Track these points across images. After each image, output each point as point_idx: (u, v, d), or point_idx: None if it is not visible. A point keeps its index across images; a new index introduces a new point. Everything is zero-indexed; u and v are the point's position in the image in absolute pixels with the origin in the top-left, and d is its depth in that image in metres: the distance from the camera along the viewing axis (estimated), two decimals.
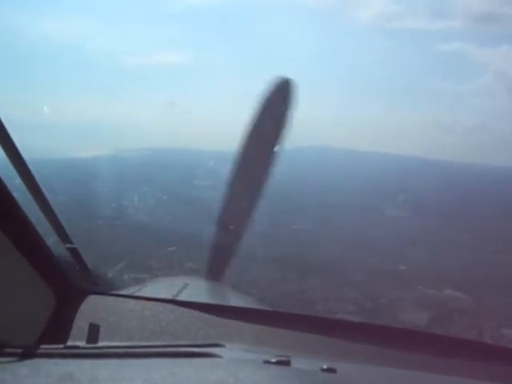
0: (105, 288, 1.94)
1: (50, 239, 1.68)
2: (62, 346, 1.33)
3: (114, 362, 1.18)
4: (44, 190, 1.62)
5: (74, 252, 1.78)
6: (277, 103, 2.26)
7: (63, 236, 1.72)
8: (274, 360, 1.12)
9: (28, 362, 1.18)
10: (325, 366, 1.10)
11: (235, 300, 2.35)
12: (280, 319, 1.70)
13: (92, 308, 1.71)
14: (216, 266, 2.51)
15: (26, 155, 1.51)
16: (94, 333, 1.56)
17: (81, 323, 1.61)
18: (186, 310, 1.70)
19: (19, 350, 1.25)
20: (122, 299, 1.79)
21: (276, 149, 2.26)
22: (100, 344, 1.51)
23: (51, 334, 1.56)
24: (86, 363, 1.15)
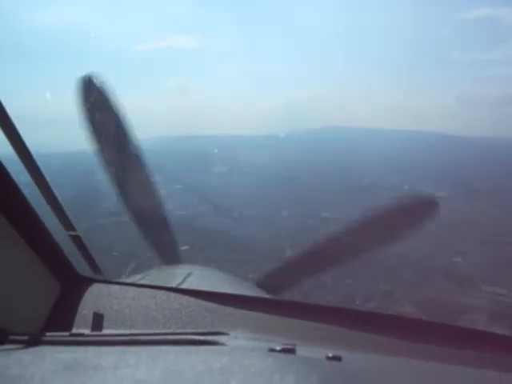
0: (109, 276, 1.94)
1: (54, 227, 1.67)
2: (66, 333, 1.33)
3: (118, 349, 1.18)
4: (48, 179, 1.61)
5: (77, 240, 1.78)
6: (93, 99, 2.20)
7: (67, 224, 1.72)
8: (278, 348, 1.11)
9: (32, 350, 1.18)
10: (330, 355, 1.10)
11: (239, 288, 2.35)
12: (285, 307, 1.69)
13: (96, 296, 1.71)
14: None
15: (33, 149, 1.51)
16: (98, 321, 1.56)
17: (84, 311, 1.62)
18: (189, 299, 1.69)
19: (23, 338, 1.25)
20: (125, 287, 1.79)
21: (122, 132, 2.27)
22: (104, 332, 1.52)
23: (55, 321, 1.56)
24: (91, 351, 1.15)
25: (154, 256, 2.63)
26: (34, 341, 1.24)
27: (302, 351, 1.13)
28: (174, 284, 1.88)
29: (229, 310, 1.64)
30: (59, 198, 1.64)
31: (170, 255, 2.70)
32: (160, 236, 2.61)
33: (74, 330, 1.47)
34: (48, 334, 1.31)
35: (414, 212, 2.36)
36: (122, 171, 2.32)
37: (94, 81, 2.09)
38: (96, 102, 2.11)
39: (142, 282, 2.00)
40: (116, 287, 1.77)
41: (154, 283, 1.86)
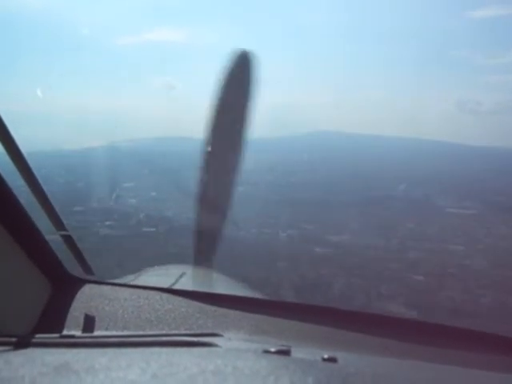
0: (100, 276, 1.92)
1: (45, 227, 1.65)
2: (57, 335, 1.32)
3: (110, 351, 1.17)
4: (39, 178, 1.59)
5: (69, 240, 1.76)
6: (239, 77, 2.22)
7: (58, 224, 1.69)
8: (273, 349, 1.10)
9: (22, 351, 1.17)
10: (326, 356, 1.09)
11: (233, 289, 2.34)
12: (280, 308, 1.68)
13: (87, 297, 1.69)
14: (202, 253, 2.49)
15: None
16: (89, 322, 1.54)
17: (76, 312, 1.60)
18: (183, 299, 1.68)
19: (13, 339, 1.23)
20: (118, 288, 1.77)
21: (244, 124, 2.24)
22: (96, 333, 1.50)
23: (46, 322, 1.55)
24: (82, 352, 1.14)
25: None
26: (24, 342, 1.22)
27: (298, 352, 1.12)
28: (166, 285, 1.86)
29: (222, 310, 1.63)
30: (51, 199, 1.62)
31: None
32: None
33: (65, 332, 1.45)
34: (38, 335, 1.30)
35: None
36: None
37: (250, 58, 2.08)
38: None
39: (135, 282, 1.99)
40: (108, 288, 1.76)
41: (146, 284, 1.84)
